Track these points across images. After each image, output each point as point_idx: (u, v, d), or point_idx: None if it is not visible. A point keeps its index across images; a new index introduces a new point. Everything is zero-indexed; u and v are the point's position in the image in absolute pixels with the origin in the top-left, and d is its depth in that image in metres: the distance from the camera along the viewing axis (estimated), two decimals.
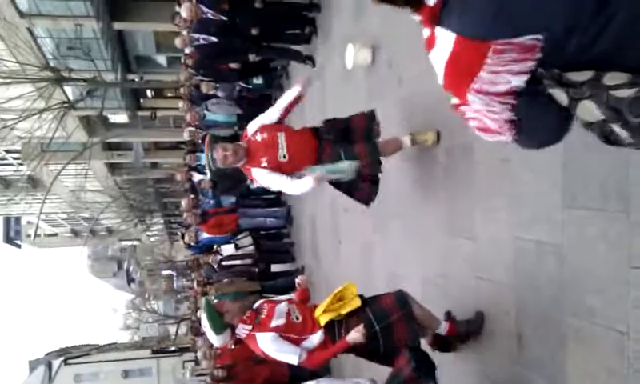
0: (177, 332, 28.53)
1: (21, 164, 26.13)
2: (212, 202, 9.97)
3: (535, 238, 3.12)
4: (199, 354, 7.88)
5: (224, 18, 7.05)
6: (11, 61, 15.79)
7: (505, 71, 1.44)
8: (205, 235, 9.48)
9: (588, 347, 2.72)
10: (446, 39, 1.47)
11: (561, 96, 1.45)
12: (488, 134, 1.59)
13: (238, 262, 9.48)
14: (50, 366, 27.74)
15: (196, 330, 9.76)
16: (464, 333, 3.73)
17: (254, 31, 7.20)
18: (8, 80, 15.23)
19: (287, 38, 8.00)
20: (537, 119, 1.54)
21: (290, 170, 4.13)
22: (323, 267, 8.10)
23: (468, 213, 3.81)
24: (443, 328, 3.74)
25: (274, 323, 3.62)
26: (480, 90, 1.49)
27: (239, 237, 9.45)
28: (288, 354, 3.53)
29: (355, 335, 3.39)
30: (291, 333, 3.58)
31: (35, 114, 15.44)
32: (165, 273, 35.31)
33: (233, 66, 8.14)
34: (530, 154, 2.93)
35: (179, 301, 35.85)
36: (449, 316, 3.85)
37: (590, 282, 2.69)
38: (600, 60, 1.39)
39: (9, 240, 49.51)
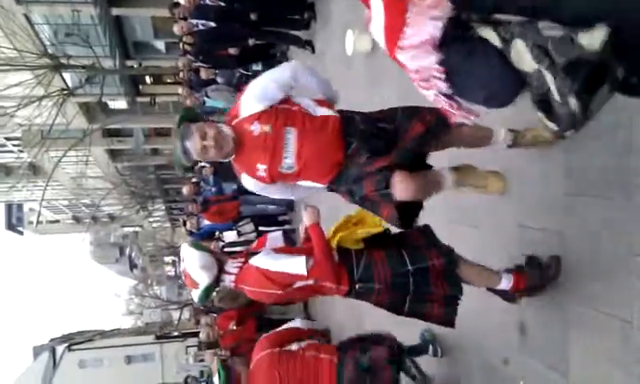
0: (180, 317, 28.66)
1: (21, 151, 26.11)
2: (214, 189, 9.97)
3: (539, 226, 3.10)
4: (202, 335, 7.91)
5: (222, 4, 6.98)
6: (9, 48, 15.69)
7: (426, 18, 1.45)
8: (206, 222, 9.49)
9: (591, 335, 2.71)
10: (377, 8, 1.54)
11: (490, 35, 1.43)
12: (430, 89, 1.59)
13: (239, 248, 9.48)
14: (53, 352, 27.89)
15: (198, 312, 9.81)
16: (538, 284, 2.99)
17: (252, 16, 7.14)
18: (6, 67, 15.15)
19: (286, 23, 7.93)
20: (473, 65, 1.51)
21: (296, 179, 2.86)
22: None
23: (471, 199, 3.78)
24: (506, 283, 3.03)
25: (268, 246, 3.29)
26: (404, 46, 1.53)
27: (241, 223, 9.45)
28: (292, 262, 2.92)
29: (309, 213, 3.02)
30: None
31: (34, 102, 15.39)
32: (167, 259, 35.46)
33: (232, 51, 8.07)
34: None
35: (182, 286, 35.98)
36: (518, 268, 3.08)
37: (594, 270, 2.68)
38: (533, 9, 1.36)
39: (11, 227, 49.66)
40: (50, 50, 17.74)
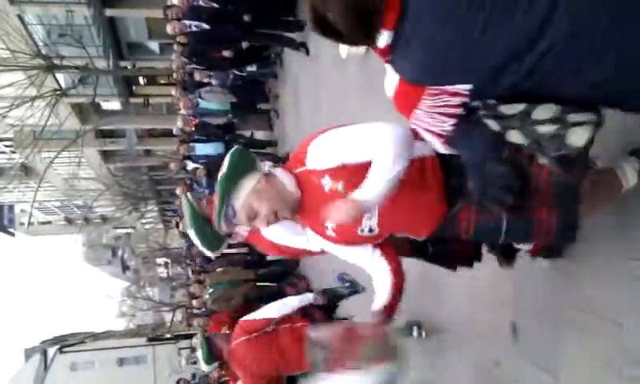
0: (172, 319, 28.58)
1: (13, 152, 25.99)
2: (206, 191, 9.94)
3: None
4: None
5: (216, 6, 6.98)
6: (1, 48, 15.64)
7: (438, 112, 1.61)
8: None
9: (584, 337, 2.72)
10: (393, 74, 1.64)
11: (494, 125, 1.62)
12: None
13: (233, 250, 9.47)
14: (45, 354, 27.76)
15: (191, 316, 9.78)
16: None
17: (246, 18, 7.15)
18: None
19: (280, 25, 7.94)
20: (474, 141, 1.69)
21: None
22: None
23: None
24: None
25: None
26: (417, 121, 1.68)
27: None
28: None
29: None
30: None
31: (27, 102, 15.35)
32: (159, 260, 35.34)
33: (226, 53, 8.08)
34: None
35: (174, 288, 35.88)
36: None
37: (588, 271, 2.69)
38: (534, 92, 1.53)
39: (2, 228, 49.34)
40: (43, 51, 17.68)
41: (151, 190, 30.69)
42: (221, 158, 9.33)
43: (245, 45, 7.69)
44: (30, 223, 39.08)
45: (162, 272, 36.97)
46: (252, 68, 9.52)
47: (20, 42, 15.68)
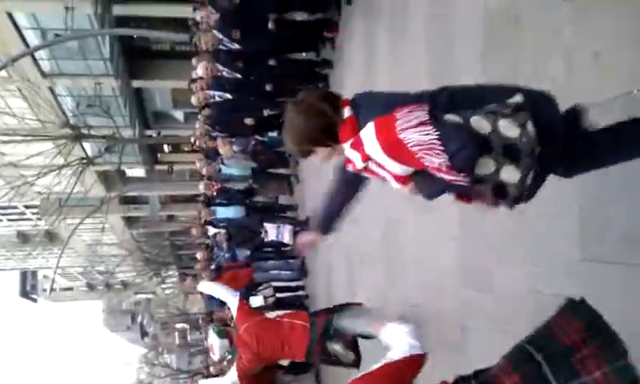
0: None
1: (39, 219, 26.50)
2: (227, 255, 10.01)
3: (554, 292, 3.08)
4: None
5: (239, 76, 7.25)
6: (32, 119, 16.23)
7: (411, 127, 1.84)
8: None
9: None
10: (369, 137, 1.90)
11: (455, 118, 1.94)
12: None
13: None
14: None
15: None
16: None
17: (267, 87, 7.39)
18: (29, 138, 15.64)
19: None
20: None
21: None
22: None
23: (485, 266, 3.80)
24: None
25: None
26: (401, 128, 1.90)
27: (260, 288, 9.43)
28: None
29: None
30: None
31: (54, 170, 15.76)
32: (179, 326, 35.03)
33: (248, 121, 8.31)
34: (546, 207, 2.96)
35: (192, 354, 35.40)
36: None
37: None
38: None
39: (25, 294, 49.72)
40: (71, 121, 18.30)
41: (172, 256, 30.86)
42: (241, 221, 9.41)
43: (266, 112, 7.92)
44: (52, 289, 39.31)
45: (181, 337, 36.48)
46: (273, 133, 9.74)
47: (50, 113, 16.26)
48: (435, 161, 1.84)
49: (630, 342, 2.26)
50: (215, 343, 5.16)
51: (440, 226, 4.51)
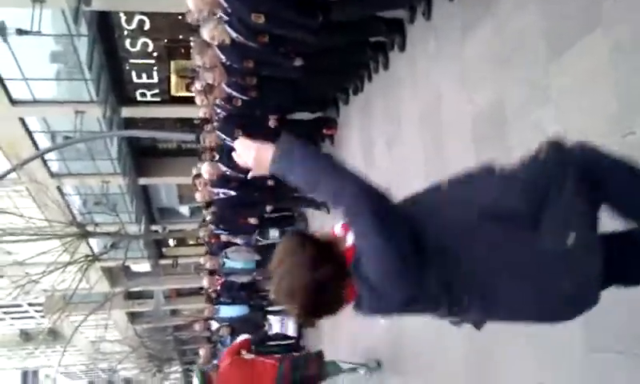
0: None
1: (42, 317, 26.24)
2: None
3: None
4: None
5: (242, 176, 7.48)
6: (39, 218, 16.46)
7: None
8: None
9: None
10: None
11: None
12: None
13: None
14: None
15: None
16: None
17: (269, 182, 7.62)
18: (35, 237, 15.82)
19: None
20: None
21: None
22: None
23: (489, 353, 3.80)
24: None
25: None
26: None
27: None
28: None
29: None
30: None
31: (60, 268, 15.81)
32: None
33: (251, 221, 8.50)
34: None
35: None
36: None
37: None
38: None
39: None
40: (78, 219, 18.51)
41: (176, 351, 30.27)
42: (245, 316, 9.40)
43: (269, 208, 8.12)
44: None
45: None
46: (275, 233, 9.92)
47: (56, 212, 16.50)
48: None
49: None
50: None
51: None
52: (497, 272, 1.60)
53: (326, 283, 1.66)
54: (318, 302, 1.69)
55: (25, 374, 46.90)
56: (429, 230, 1.63)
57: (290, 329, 9.64)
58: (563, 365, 3.02)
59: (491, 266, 1.60)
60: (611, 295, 1.76)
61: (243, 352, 5.89)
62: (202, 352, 10.38)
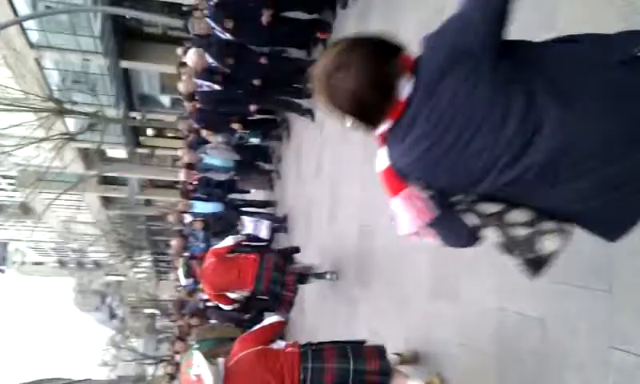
0: (154, 373, 27.92)
1: (15, 190, 26.13)
2: (202, 245, 9.94)
3: (518, 310, 3.15)
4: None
5: (227, 70, 7.23)
6: (15, 89, 16.01)
7: (407, 212, 1.70)
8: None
9: None
10: (385, 156, 1.70)
11: (471, 220, 1.70)
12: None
13: (228, 307, 9.37)
14: None
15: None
16: None
17: (255, 82, 7.38)
18: (10, 108, 15.42)
19: (289, 92, 8.18)
20: (449, 230, 1.78)
21: None
22: (309, 320, 8.05)
23: (454, 277, 3.85)
24: None
25: None
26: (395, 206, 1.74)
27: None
28: None
29: None
30: None
31: (34, 143, 15.57)
32: (147, 311, 34.80)
33: (234, 126, 8.33)
34: None
35: (160, 341, 35.19)
36: None
37: (571, 358, 2.72)
38: (512, 197, 1.61)
39: None
40: (56, 95, 18.07)
41: (147, 240, 30.63)
42: (219, 214, 9.39)
43: (253, 108, 7.91)
44: (22, 262, 38.77)
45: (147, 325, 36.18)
46: (256, 140, 9.77)
47: (34, 85, 16.06)
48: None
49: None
50: (181, 277, 6.78)
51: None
52: (583, 84, 1.45)
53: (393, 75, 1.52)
54: (379, 102, 1.53)
55: None
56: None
57: (263, 231, 9.68)
58: (525, 291, 3.09)
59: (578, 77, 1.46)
60: (577, 233, 1.73)
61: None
62: (173, 243, 10.41)
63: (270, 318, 4.16)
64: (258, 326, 4.04)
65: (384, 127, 1.60)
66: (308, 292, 8.10)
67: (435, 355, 4.05)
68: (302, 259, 7.73)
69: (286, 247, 7.90)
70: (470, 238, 1.77)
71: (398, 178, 1.68)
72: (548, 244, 1.64)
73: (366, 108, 1.56)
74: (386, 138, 1.64)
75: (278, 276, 5.86)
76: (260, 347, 3.64)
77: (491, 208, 1.66)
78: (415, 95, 1.51)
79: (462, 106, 1.45)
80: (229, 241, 5.98)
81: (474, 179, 1.54)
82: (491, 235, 1.72)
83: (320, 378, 3.51)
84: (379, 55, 1.52)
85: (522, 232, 1.66)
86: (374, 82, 1.51)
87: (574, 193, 1.49)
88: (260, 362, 3.51)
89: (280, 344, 3.85)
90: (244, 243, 8.70)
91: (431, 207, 1.68)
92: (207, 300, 9.38)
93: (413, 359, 4.17)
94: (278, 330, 4.11)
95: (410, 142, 1.56)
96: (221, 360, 3.54)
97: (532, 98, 1.41)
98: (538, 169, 1.45)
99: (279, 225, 9.77)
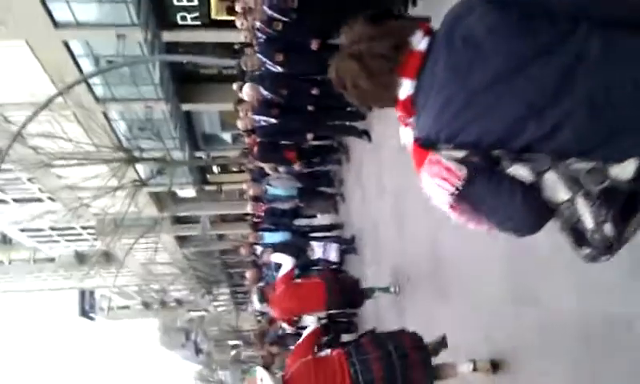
0: None
1: (95, 239, 27.43)
2: (275, 274, 10.08)
3: (602, 309, 3.01)
4: None
5: (282, 101, 7.37)
6: (87, 143, 16.88)
7: (434, 181, 1.52)
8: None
9: None
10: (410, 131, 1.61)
11: (522, 171, 1.44)
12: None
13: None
14: None
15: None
16: None
17: (310, 108, 7.49)
18: (84, 161, 16.27)
19: (343, 116, 8.24)
20: (494, 198, 1.50)
21: None
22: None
23: (531, 281, 3.73)
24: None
25: None
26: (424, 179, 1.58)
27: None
28: None
29: None
30: None
31: (109, 192, 16.31)
32: (231, 343, 35.39)
33: (289, 155, 8.49)
34: None
35: (245, 371, 35.63)
36: None
37: None
38: (557, 150, 1.40)
39: (84, 313, 51.42)
40: (124, 144, 18.91)
41: (223, 274, 31.31)
42: (287, 244, 9.57)
43: (310, 136, 8.04)
44: (109, 308, 40.51)
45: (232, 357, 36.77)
46: (316, 161, 9.90)
47: (103, 137, 16.85)
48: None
49: None
50: (256, 302, 7.13)
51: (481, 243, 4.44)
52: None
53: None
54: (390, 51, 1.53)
55: (82, 294, 49.72)
56: None
57: (333, 254, 9.72)
58: (602, 290, 2.93)
59: None
60: None
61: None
62: (248, 274, 10.62)
63: (308, 329, 4.82)
64: (300, 340, 4.65)
65: (405, 90, 1.54)
66: (384, 306, 8.03)
67: (520, 362, 3.92)
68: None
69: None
70: (528, 208, 1.48)
71: (425, 150, 1.56)
72: (619, 169, 1.35)
73: (376, 58, 1.53)
74: (411, 107, 1.57)
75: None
76: (309, 357, 4.20)
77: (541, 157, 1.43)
78: (432, 48, 1.49)
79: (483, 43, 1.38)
80: (287, 264, 6.53)
81: (510, 130, 1.39)
82: (551, 179, 1.43)
83: (368, 367, 3.92)
84: (390, 17, 1.58)
85: (583, 165, 1.39)
86: (382, 33, 1.54)
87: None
88: (310, 370, 4.08)
89: (327, 352, 4.45)
90: (314, 268, 8.97)
91: (460, 166, 1.47)
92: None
93: (488, 369, 4.19)
94: (319, 335, 4.91)
95: (434, 99, 1.48)
96: (279, 373, 4.21)
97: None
98: (582, 114, 1.32)
99: (348, 246, 9.78)
